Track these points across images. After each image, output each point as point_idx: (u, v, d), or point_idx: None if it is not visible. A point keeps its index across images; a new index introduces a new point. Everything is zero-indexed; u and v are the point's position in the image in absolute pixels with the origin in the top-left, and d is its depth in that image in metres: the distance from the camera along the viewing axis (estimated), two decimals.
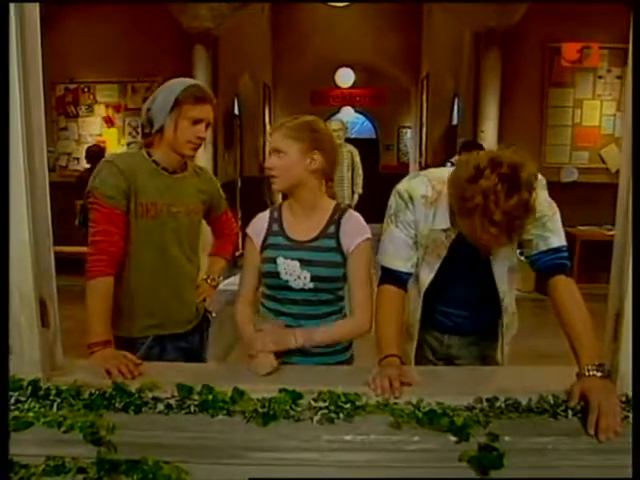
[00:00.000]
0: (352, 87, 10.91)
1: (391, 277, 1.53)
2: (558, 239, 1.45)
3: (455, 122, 7.35)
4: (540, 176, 1.46)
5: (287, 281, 1.57)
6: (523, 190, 1.24)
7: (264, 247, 1.62)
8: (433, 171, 1.57)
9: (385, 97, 11.12)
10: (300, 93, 10.48)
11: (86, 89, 6.03)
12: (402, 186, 1.52)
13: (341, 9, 8.35)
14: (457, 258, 1.53)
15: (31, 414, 1.22)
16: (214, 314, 2.00)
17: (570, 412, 1.23)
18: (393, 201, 1.53)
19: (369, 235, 1.59)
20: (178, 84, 1.71)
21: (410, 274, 1.55)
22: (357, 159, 5.47)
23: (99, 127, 6.08)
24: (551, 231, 1.45)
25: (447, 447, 1.15)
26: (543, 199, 1.45)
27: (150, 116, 1.71)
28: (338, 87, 10.88)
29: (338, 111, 11.45)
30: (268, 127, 8.96)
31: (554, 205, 1.47)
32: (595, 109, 5.67)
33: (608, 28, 5.17)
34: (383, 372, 1.31)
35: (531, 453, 1.16)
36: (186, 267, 1.81)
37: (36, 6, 1.28)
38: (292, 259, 1.57)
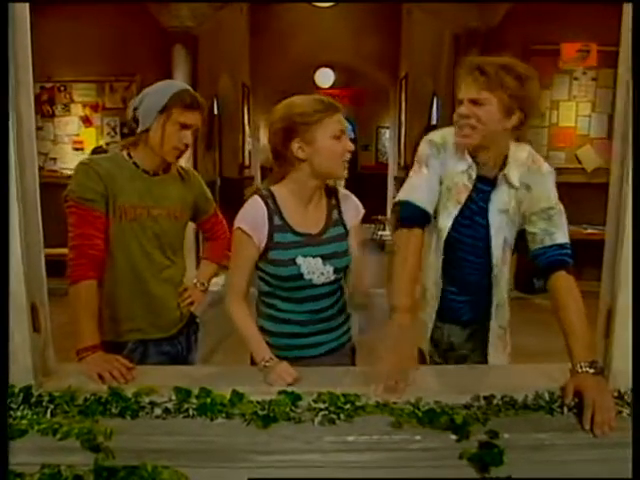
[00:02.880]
0: (332, 87, 10.90)
1: (410, 216, 1.51)
2: (563, 235, 1.50)
3: (435, 121, 7.41)
4: (551, 168, 1.55)
5: (310, 280, 1.49)
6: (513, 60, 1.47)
7: (270, 247, 1.46)
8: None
9: (364, 98, 11.15)
10: (279, 93, 10.42)
11: (62, 88, 5.88)
12: (434, 135, 1.59)
13: (320, 9, 8.34)
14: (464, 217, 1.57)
15: (24, 422, 1.19)
16: (197, 319, 1.96)
17: (566, 408, 1.25)
18: (425, 148, 1.57)
19: (363, 210, 1.64)
20: (169, 87, 1.68)
21: (429, 217, 1.54)
22: None
23: (76, 127, 5.93)
24: (557, 227, 1.50)
25: (448, 445, 1.16)
26: (552, 190, 1.54)
27: (136, 115, 1.68)
28: (318, 87, 10.85)
29: None
30: (247, 127, 8.91)
31: (561, 204, 1.53)
32: (571, 110, 5.78)
33: (586, 30, 5.27)
34: (390, 375, 1.30)
35: (529, 449, 1.17)
36: (168, 271, 1.78)
37: (26, 6, 1.25)
38: (313, 256, 1.48)
